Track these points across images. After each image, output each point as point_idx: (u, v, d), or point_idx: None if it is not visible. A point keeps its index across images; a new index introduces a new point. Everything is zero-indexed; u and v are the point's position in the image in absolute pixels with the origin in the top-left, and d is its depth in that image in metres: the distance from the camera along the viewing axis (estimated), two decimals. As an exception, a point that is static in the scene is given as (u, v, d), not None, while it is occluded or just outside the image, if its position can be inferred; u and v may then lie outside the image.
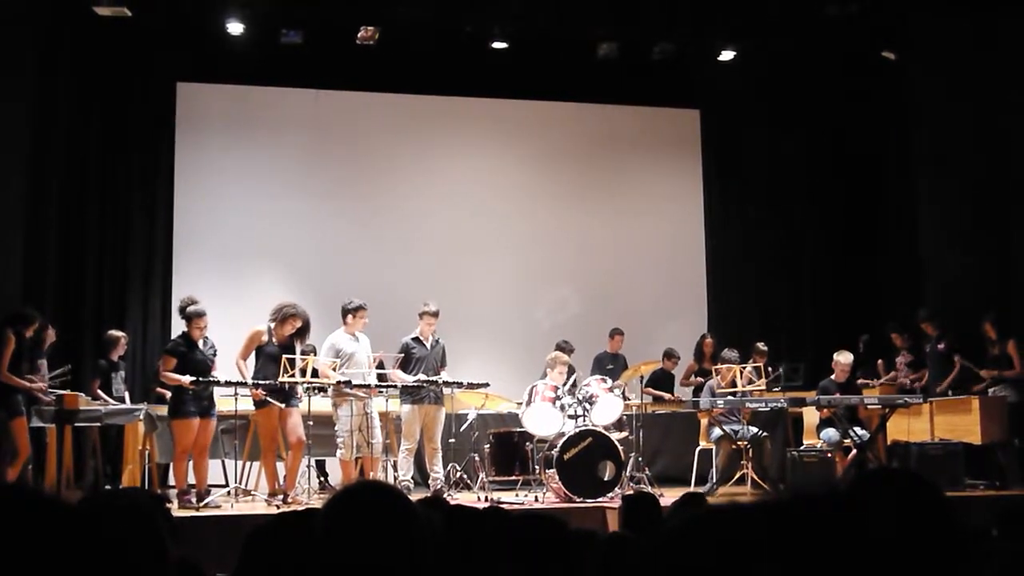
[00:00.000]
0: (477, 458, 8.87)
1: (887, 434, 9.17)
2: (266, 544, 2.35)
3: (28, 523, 1.75)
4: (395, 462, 8.71)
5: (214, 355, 8.10)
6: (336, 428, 8.39)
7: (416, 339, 8.80)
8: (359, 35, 10.77)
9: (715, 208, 12.84)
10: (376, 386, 8.38)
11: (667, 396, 10.87)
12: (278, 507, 7.58)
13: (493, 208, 12.16)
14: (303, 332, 8.27)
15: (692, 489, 8.67)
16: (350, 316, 8.57)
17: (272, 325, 8.18)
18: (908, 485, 1.17)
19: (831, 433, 9.11)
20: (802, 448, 9.05)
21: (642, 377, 10.80)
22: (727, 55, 11.77)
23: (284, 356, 7.87)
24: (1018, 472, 8.85)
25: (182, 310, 8.05)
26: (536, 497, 8.22)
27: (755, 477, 8.61)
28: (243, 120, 11.61)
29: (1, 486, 1.93)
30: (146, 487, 8.43)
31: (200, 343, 8.00)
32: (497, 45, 11.27)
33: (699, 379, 10.85)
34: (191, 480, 7.96)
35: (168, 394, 8.81)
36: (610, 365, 10.73)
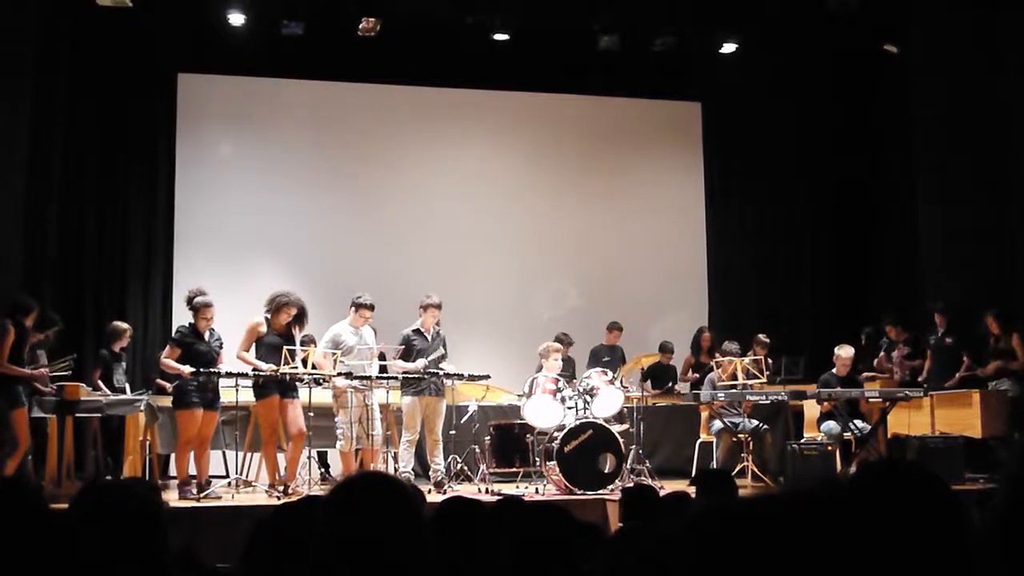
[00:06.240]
0: (478, 450, 8.88)
1: (887, 427, 9.17)
2: (269, 535, 2.35)
3: (27, 518, 1.74)
4: (396, 454, 8.72)
5: (220, 347, 8.10)
6: (336, 419, 8.40)
7: (417, 331, 8.79)
8: (360, 26, 10.75)
9: (715, 201, 12.83)
10: (376, 377, 8.38)
11: (648, 392, 10.74)
12: (279, 498, 7.58)
13: (493, 200, 12.15)
14: (300, 319, 8.27)
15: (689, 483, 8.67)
16: (355, 310, 8.56)
17: (268, 316, 8.18)
18: (913, 477, 1.16)
19: (832, 426, 9.11)
20: (803, 441, 9.05)
21: (642, 369, 10.81)
22: (728, 48, 11.76)
23: (285, 347, 7.87)
24: (1018, 466, 8.84)
25: (189, 300, 8.04)
26: (536, 489, 8.22)
27: (755, 470, 8.61)
28: (244, 111, 11.59)
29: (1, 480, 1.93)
30: (147, 478, 8.44)
31: (206, 335, 7.99)
32: (498, 37, 11.25)
33: (695, 375, 10.82)
34: (192, 471, 7.96)
35: (168, 386, 8.82)
36: (606, 357, 10.73)
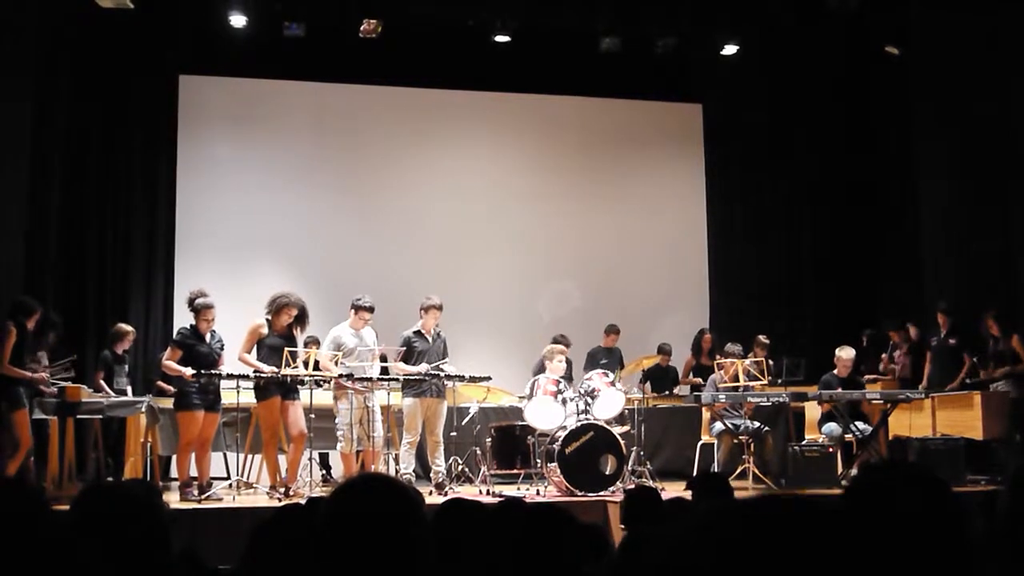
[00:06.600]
0: (479, 451, 8.88)
1: (888, 429, 9.17)
2: (270, 536, 2.35)
3: (29, 521, 1.75)
4: (396, 455, 8.72)
5: (221, 349, 8.09)
6: (336, 421, 8.40)
7: (418, 332, 8.79)
8: (361, 28, 10.76)
9: (717, 202, 12.83)
10: (377, 379, 8.38)
11: (648, 393, 10.72)
12: (280, 500, 7.59)
13: (494, 202, 12.16)
14: (301, 319, 8.27)
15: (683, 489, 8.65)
16: (354, 312, 8.56)
17: (269, 317, 8.18)
18: (915, 479, 1.16)
19: (833, 427, 9.11)
20: (804, 442, 9.04)
21: (643, 371, 10.80)
22: (729, 49, 11.75)
23: (286, 349, 7.87)
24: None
25: (190, 302, 8.03)
26: (538, 491, 8.22)
27: (756, 471, 8.61)
28: (245, 113, 11.60)
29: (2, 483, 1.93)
30: (148, 480, 8.43)
31: (208, 336, 7.99)
32: (499, 39, 11.26)
33: (696, 379, 10.79)
34: (193, 473, 7.96)
35: (169, 387, 8.82)
36: (604, 359, 10.70)
